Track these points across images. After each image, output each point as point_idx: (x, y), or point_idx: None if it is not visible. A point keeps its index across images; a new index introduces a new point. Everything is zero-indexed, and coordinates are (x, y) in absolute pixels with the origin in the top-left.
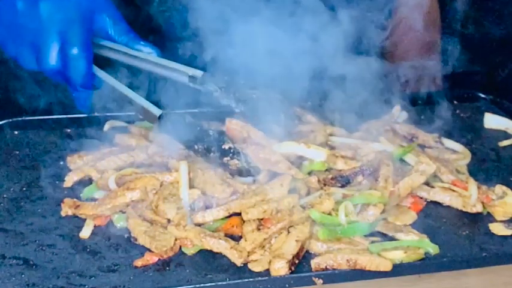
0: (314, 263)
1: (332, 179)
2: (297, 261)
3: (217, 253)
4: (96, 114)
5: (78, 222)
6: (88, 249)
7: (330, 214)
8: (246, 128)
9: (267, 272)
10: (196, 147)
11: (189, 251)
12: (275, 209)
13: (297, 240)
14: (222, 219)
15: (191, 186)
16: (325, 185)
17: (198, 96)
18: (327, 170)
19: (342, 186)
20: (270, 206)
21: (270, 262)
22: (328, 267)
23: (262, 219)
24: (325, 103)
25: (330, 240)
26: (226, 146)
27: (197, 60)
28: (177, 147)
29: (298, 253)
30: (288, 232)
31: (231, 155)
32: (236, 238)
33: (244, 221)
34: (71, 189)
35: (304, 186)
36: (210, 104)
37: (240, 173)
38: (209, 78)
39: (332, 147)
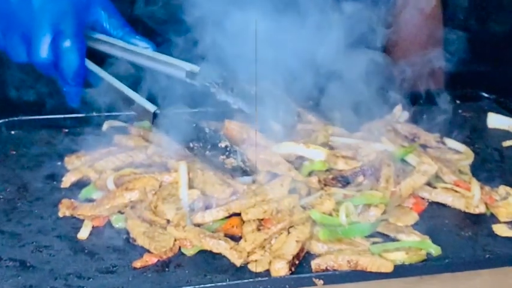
0: (314, 263)
1: (333, 179)
2: (297, 262)
3: (217, 254)
4: (94, 114)
5: (75, 223)
6: (86, 251)
7: (330, 215)
8: (245, 129)
9: (267, 272)
10: (191, 145)
11: (189, 251)
12: (275, 210)
13: (297, 241)
14: (222, 219)
15: (191, 187)
16: (325, 185)
17: (195, 93)
18: (327, 170)
19: (343, 186)
20: (270, 207)
21: (270, 262)
22: (328, 268)
23: (262, 219)
24: (326, 102)
25: (330, 241)
26: (222, 144)
27: (194, 57)
28: (177, 147)
29: (298, 254)
30: (288, 233)
31: (227, 153)
32: (236, 238)
33: (244, 222)
34: (69, 189)
35: (304, 187)
36: (208, 102)
37: (236, 172)
38: (206, 73)
39: (333, 148)
